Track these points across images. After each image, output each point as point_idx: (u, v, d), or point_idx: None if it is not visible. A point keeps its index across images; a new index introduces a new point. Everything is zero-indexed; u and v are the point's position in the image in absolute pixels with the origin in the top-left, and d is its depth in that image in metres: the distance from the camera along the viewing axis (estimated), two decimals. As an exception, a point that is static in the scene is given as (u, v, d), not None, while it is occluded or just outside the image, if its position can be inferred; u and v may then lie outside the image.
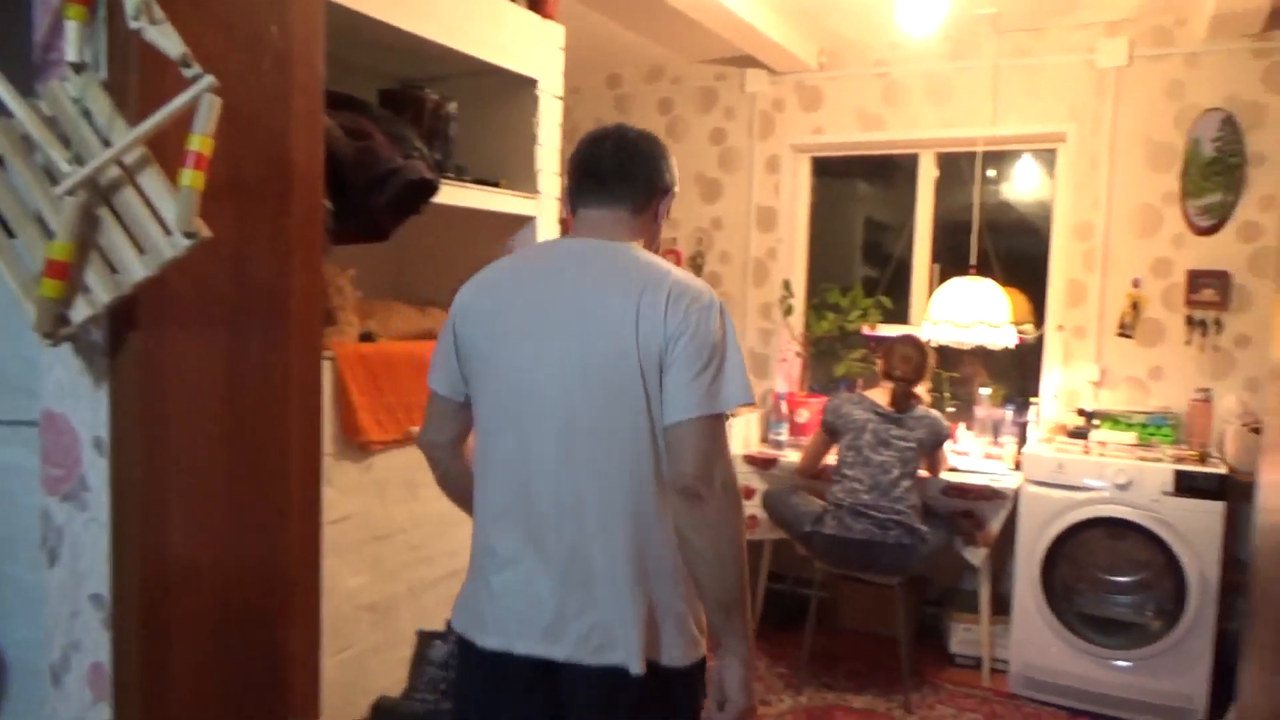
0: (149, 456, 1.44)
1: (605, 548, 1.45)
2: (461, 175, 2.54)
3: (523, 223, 2.82)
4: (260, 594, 1.62)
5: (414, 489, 2.43)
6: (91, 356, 1.47)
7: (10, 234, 1.39)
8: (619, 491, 1.45)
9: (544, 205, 2.85)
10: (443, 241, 2.99)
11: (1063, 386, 3.85)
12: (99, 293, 1.35)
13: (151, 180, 1.36)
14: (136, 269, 1.35)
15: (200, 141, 1.33)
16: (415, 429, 1.82)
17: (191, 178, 1.32)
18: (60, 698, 1.58)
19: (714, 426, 1.43)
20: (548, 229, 2.88)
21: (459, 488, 1.68)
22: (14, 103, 1.35)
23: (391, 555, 2.38)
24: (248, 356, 1.58)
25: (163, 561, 1.47)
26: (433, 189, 2.09)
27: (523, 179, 2.80)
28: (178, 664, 1.49)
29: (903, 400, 3.32)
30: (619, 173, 1.55)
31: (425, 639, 2.15)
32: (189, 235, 1.33)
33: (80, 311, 1.36)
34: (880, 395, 3.36)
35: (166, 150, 1.37)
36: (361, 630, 2.31)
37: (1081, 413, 3.71)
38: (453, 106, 2.55)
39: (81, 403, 1.50)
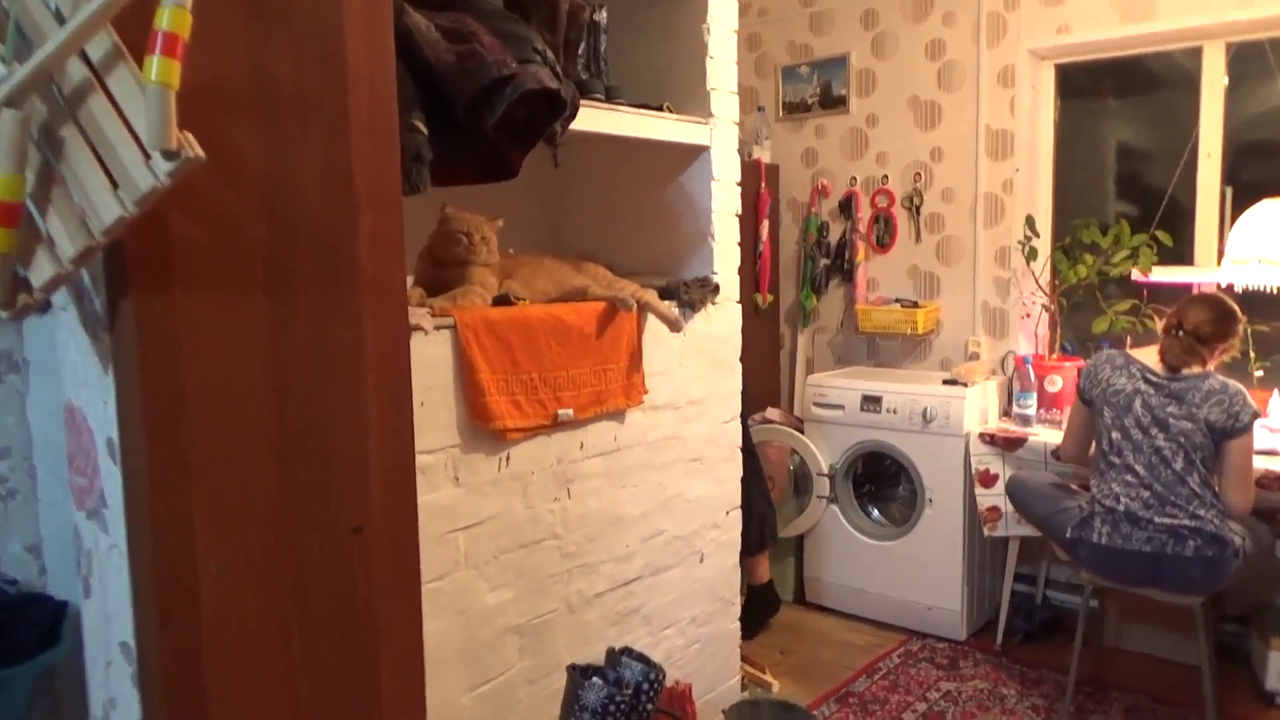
0: (160, 465, 1.06)
1: None
2: (614, 97, 2.06)
3: (694, 154, 2.29)
4: (333, 646, 1.22)
5: (565, 484, 1.99)
6: (96, 332, 1.12)
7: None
8: None
9: (720, 132, 2.31)
10: (599, 184, 2.52)
11: None
12: (64, 244, 0.98)
13: (125, 84, 0.96)
14: (110, 208, 0.96)
15: (173, 16, 0.91)
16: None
17: (162, 69, 0.91)
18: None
19: None
20: (725, 162, 2.34)
21: None
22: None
23: (541, 566, 1.96)
24: (296, 328, 1.17)
25: (191, 603, 1.10)
26: (561, 103, 1.61)
27: (691, 103, 2.28)
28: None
29: (1179, 356, 2.49)
30: None
31: (577, 677, 1.71)
32: (168, 155, 0.92)
33: (42, 270, 0.99)
34: (1149, 355, 2.56)
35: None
36: (506, 656, 1.90)
37: None
38: (601, 15, 2.07)
39: (93, 393, 1.15)
